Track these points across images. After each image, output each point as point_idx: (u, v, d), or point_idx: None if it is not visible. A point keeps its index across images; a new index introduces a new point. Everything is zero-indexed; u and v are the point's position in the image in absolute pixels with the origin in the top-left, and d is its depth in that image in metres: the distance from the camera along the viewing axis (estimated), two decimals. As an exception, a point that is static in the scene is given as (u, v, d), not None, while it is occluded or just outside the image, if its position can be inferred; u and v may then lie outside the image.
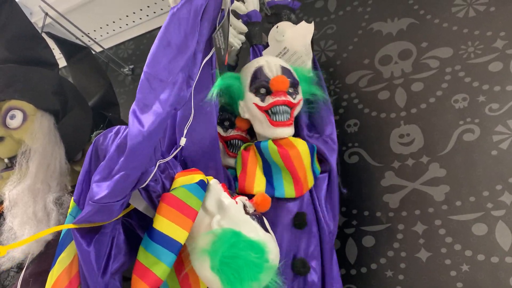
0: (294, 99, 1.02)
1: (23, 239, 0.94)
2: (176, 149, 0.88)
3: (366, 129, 1.22)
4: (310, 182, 1.00)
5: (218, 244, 0.73)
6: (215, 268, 0.72)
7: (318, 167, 1.04)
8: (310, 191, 1.01)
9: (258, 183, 0.99)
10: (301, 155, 0.98)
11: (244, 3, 1.14)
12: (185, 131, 0.86)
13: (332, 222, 1.00)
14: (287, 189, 0.99)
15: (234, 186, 1.01)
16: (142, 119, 0.76)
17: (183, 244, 0.76)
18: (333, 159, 1.04)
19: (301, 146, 0.99)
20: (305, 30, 1.11)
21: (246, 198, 0.85)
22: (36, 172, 1.04)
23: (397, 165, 1.14)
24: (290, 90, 1.02)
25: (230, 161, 1.07)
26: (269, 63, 1.03)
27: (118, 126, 0.84)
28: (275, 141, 0.99)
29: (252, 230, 0.79)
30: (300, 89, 1.05)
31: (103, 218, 0.77)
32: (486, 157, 1.05)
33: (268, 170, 1.01)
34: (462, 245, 1.01)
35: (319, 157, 1.05)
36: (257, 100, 1.01)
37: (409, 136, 1.15)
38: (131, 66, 1.76)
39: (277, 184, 0.99)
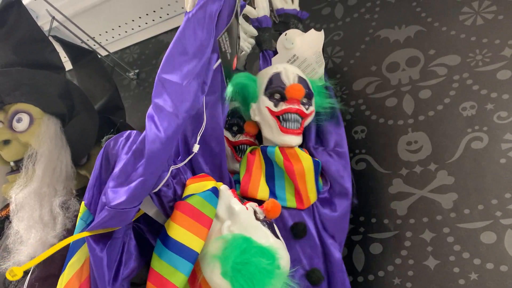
0: (306, 109, 1.02)
1: (30, 243, 0.94)
2: (189, 155, 0.87)
3: (373, 136, 1.21)
4: (313, 198, 0.99)
5: (229, 250, 0.73)
6: (227, 275, 0.71)
7: (321, 183, 1.03)
8: (312, 206, 1.00)
9: (262, 189, 0.98)
10: (304, 172, 0.97)
11: (255, 8, 1.14)
12: (198, 138, 0.86)
13: (338, 247, 0.98)
14: (289, 198, 0.98)
15: (235, 189, 1.00)
16: (159, 124, 0.76)
17: (199, 252, 0.75)
18: (340, 174, 1.03)
19: (306, 162, 0.98)
20: (315, 38, 1.11)
21: (256, 204, 0.84)
22: (42, 175, 1.04)
23: (405, 172, 1.13)
24: (304, 100, 1.02)
25: (238, 166, 1.06)
26: (287, 70, 1.03)
27: (128, 131, 0.84)
28: (281, 149, 0.98)
29: (263, 236, 0.78)
30: (313, 101, 1.05)
31: (117, 223, 0.76)
32: (495, 165, 1.04)
33: (271, 176, 1.00)
34: (470, 253, 1.01)
35: (322, 171, 1.04)
36: (270, 104, 1.00)
37: (417, 143, 1.15)
38: (136, 71, 1.76)
39: (279, 192, 0.98)
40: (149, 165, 0.74)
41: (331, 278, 0.97)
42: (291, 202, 0.98)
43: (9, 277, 0.67)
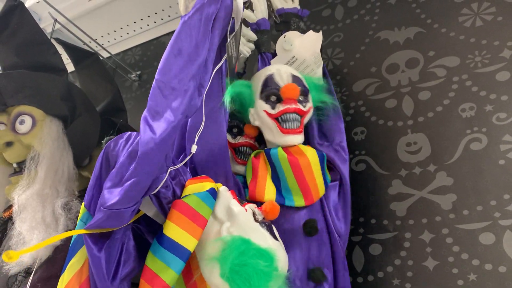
0: (304, 107, 1.03)
1: (33, 243, 0.95)
2: (187, 156, 0.88)
3: (373, 137, 1.22)
4: (321, 190, 1.00)
5: (228, 252, 0.74)
6: (225, 276, 0.72)
7: (328, 176, 1.04)
8: (320, 199, 1.01)
9: (269, 191, 0.99)
10: (310, 163, 0.98)
11: (253, 11, 1.15)
12: (196, 139, 0.87)
13: (343, 228, 1.00)
14: (296, 198, 0.99)
15: (244, 193, 1.01)
16: (154, 127, 0.77)
17: (192, 251, 0.76)
18: (345, 168, 1.04)
19: (311, 154, 0.99)
20: (314, 39, 1.12)
21: (255, 205, 0.85)
22: (44, 177, 1.05)
23: (404, 174, 1.14)
24: (300, 98, 1.03)
25: (238, 168, 1.07)
26: (280, 71, 1.04)
27: (128, 132, 0.84)
28: (285, 148, 0.99)
29: (261, 238, 0.79)
30: (310, 97, 1.06)
31: (114, 224, 0.77)
32: (494, 166, 1.05)
33: (276, 179, 1.01)
34: (469, 254, 1.01)
35: (329, 165, 1.05)
36: (267, 107, 1.01)
37: (416, 144, 1.15)
38: (138, 72, 1.77)
39: (286, 193, 0.99)
40: (141, 166, 0.75)
41: (337, 275, 0.98)
42: (299, 201, 0.99)
43: (5, 259, 0.68)
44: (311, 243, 0.97)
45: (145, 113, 0.80)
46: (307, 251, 0.96)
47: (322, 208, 1.01)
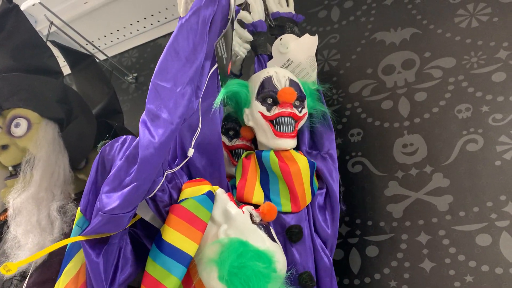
0: (299, 112, 1.02)
1: (28, 247, 0.94)
2: (184, 159, 0.88)
3: (369, 138, 1.22)
4: (308, 199, 1.00)
5: (226, 254, 0.73)
6: (223, 278, 0.72)
7: (316, 184, 1.04)
8: (307, 206, 1.01)
9: (258, 193, 0.98)
10: (301, 172, 0.98)
11: (250, 13, 1.15)
12: (193, 142, 0.87)
13: (328, 233, 0.99)
14: (283, 203, 0.99)
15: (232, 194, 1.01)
16: (152, 130, 0.77)
17: (193, 256, 0.76)
18: (332, 176, 1.04)
19: (302, 162, 0.99)
20: (309, 43, 1.12)
21: (252, 207, 0.85)
22: (40, 180, 1.05)
23: (401, 175, 1.14)
24: (296, 103, 1.03)
25: (235, 171, 1.07)
26: (278, 74, 1.04)
27: (124, 136, 0.84)
28: (276, 152, 0.99)
29: (259, 240, 0.79)
30: (306, 103, 1.06)
31: (112, 229, 0.77)
32: (490, 168, 1.05)
33: (265, 182, 1.00)
34: (466, 255, 1.01)
35: (317, 174, 1.05)
36: (263, 109, 1.01)
37: (413, 145, 1.15)
38: (135, 74, 1.77)
39: (274, 197, 0.99)
40: (142, 171, 0.75)
41: (320, 282, 0.97)
42: (286, 206, 0.99)
43: (3, 271, 0.68)
44: (295, 249, 0.96)
45: (143, 116, 0.80)
46: (290, 256, 0.95)
47: (308, 215, 1.00)
